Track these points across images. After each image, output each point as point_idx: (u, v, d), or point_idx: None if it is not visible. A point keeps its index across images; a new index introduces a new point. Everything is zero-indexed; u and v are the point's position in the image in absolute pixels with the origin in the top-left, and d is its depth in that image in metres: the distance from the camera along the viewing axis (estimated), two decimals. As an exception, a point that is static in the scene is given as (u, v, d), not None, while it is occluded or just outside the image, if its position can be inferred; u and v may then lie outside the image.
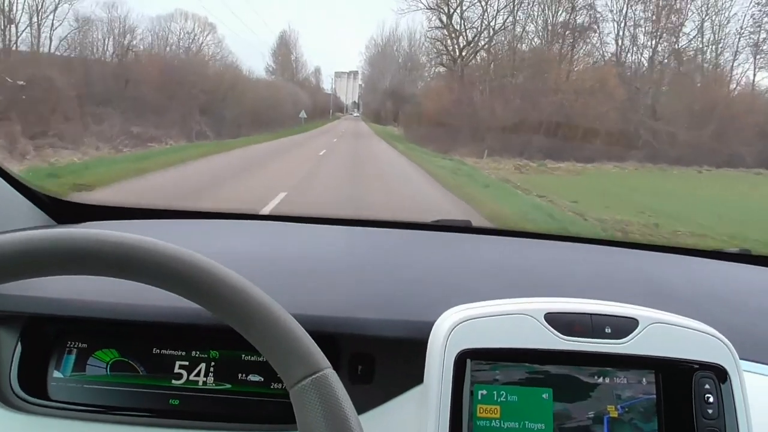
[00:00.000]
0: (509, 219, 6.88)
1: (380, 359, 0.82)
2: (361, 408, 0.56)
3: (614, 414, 0.74)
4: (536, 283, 0.99)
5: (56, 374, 0.84)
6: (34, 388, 0.82)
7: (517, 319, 0.74)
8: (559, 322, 0.74)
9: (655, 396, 0.75)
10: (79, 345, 0.85)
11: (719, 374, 0.73)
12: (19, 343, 0.84)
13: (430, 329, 0.78)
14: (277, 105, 24.31)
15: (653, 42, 17.00)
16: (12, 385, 0.81)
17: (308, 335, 0.54)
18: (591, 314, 0.75)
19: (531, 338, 0.73)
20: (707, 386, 0.73)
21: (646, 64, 17.36)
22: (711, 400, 0.73)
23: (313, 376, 0.52)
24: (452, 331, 0.73)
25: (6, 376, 0.82)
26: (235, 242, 1.13)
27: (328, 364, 0.53)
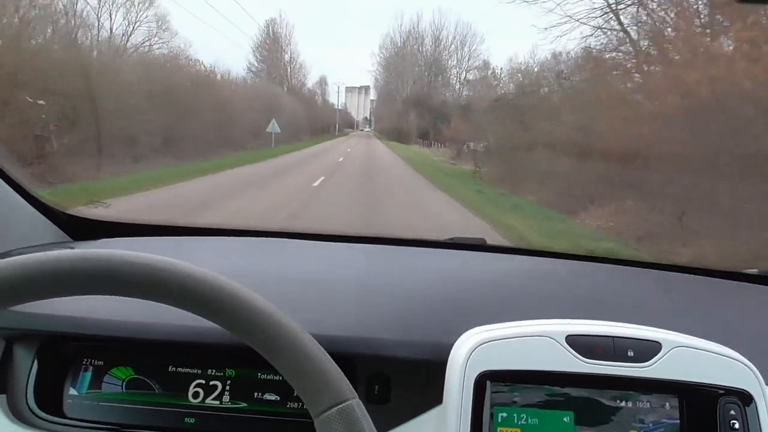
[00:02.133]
0: None
1: (396, 380, 0.82)
2: (378, 429, 0.56)
3: None
4: (555, 303, 0.97)
5: (72, 392, 0.84)
6: (50, 406, 0.82)
7: (538, 342, 0.73)
8: (580, 344, 0.73)
9: (678, 421, 0.73)
10: (95, 362, 0.85)
11: (744, 399, 0.72)
12: (36, 361, 0.84)
13: (448, 350, 0.77)
14: (214, 111, 14.27)
15: None
16: (28, 403, 0.82)
17: (334, 363, 0.54)
18: (613, 337, 0.74)
19: (552, 361, 0.72)
20: (732, 412, 0.72)
21: None
22: (736, 426, 0.71)
23: (339, 407, 0.51)
24: (472, 352, 0.72)
25: (22, 394, 0.82)
26: (251, 260, 1.13)
27: (355, 394, 0.53)
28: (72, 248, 0.97)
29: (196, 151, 12.36)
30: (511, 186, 9.99)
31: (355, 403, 0.52)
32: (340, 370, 0.54)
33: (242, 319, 0.53)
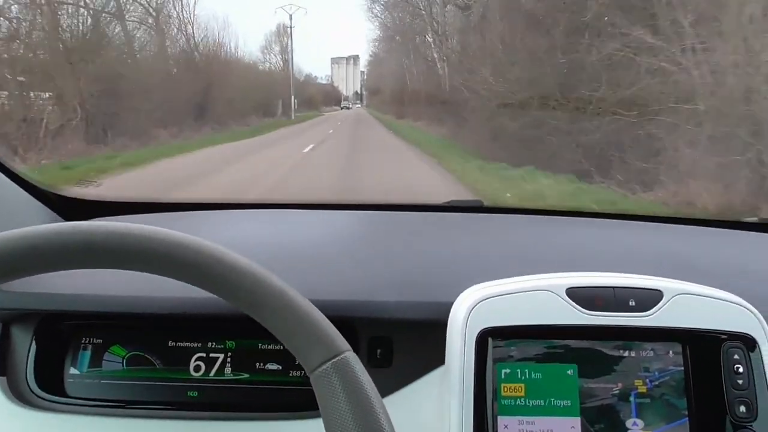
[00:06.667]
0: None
1: (398, 342, 0.81)
2: (382, 392, 0.56)
3: (643, 389, 0.72)
4: (554, 259, 0.97)
5: (73, 371, 0.84)
6: (51, 386, 0.82)
7: (538, 296, 0.73)
8: (581, 296, 0.72)
9: (683, 368, 0.73)
10: (95, 340, 0.85)
11: (748, 344, 0.72)
12: (34, 342, 0.83)
13: (449, 309, 0.76)
14: None
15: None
16: (29, 383, 0.81)
17: (326, 318, 0.53)
18: (614, 287, 0.73)
19: (553, 314, 0.72)
20: (736, 356, 0.72)
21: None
22: (741, 370, 0.71)
23: (334, 360, 0.50)
24: (472, 310, 0.72)
25: (23, 374, 0.82)
26: (245, 231, 1.12)
27: (348, 346, 0.52)
28: None
29: None
30: None
31: (351, 356, 0.51)
32: (331, 325, 0.53)
33: (227, 281, 0.52)
